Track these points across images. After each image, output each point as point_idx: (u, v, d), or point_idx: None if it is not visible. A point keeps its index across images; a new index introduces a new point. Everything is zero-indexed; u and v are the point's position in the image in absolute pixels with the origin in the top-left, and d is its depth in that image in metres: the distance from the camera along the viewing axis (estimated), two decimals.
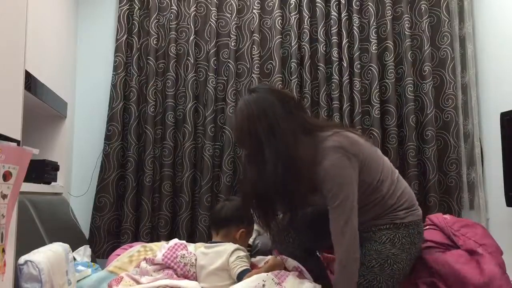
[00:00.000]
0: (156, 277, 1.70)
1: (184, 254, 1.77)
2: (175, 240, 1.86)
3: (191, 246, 1.95)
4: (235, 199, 1.88)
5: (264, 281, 1.47)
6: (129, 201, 2.73)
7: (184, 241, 1.89)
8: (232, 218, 1.79)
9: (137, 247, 2.01)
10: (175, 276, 1.72)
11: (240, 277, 1.60)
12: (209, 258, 1.72)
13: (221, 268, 1.68)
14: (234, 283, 1.59)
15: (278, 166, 1.51)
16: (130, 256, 1.92)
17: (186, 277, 1.74)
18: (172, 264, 1.74)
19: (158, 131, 2.83)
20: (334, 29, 2.84)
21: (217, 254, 1.71)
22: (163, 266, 1.75)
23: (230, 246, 1.70)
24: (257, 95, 1.60)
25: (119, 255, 2.04)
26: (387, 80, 2.82)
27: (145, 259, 1.80)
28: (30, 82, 2.02)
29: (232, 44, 2.86)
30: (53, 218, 2.21)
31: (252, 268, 1.67)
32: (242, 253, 1.69)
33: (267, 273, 1.53)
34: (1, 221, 1.16)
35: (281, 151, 1.52)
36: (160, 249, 1.82)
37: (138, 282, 1.66)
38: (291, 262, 1.67)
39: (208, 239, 2.56)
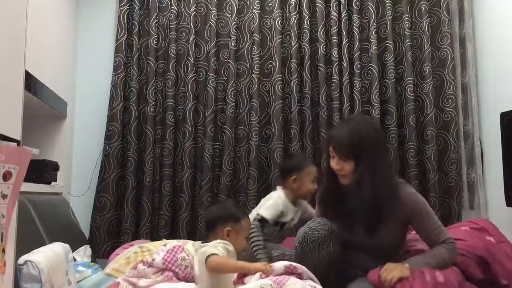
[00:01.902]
0: (155, 279, 1.70)
1: (184, 257, 1.77)
2: (173, 243, 1.85)
3: (188, 244, 1.95)
4: (223, 202, 1.91)
5: (262, 287, 1.47)
6: (129, 201, 2.73)
7: (180, 243, 1.88)
8: (217, 219, 1.79)
9: (134, 247, 2.00)
10: (174, 278, 1.72)
11: (206, 260, 1.59)
12: (198, 257, 1.71)
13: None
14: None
15: (382, 178, 1.81)
16: (127, 257, 1.91)
17: (186, 279, 1.74)
18: (173, 267, 1.74)
19: (158, 131, 2.83)
20: (334, 29, 2.84)
21: (203, 254, 1.68)
22: (163, 269, 1.75)
23: (212, 243, 1.68)
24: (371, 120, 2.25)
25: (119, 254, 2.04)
26: (387, 80, 2.82)
27: (142, 261, 1.79)
28: (30, 82, 2.02)
29: (232, 44, 2.86)
30: (53, 218, 2.21)
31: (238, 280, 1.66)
32: (218, 243, 1.66)
33: (265, 279, 1.51)
34: (1, 221, 1.16)
35: (379, 170, 1.82)
36: (158, 252, 1.81)
37: (135, 285, 1.66)
38: (278, 265, 1.62)
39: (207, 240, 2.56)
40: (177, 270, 1.74)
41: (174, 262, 1.75)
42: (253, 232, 2.02)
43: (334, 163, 1.86)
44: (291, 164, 2.35)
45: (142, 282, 1.68)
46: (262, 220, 2.11)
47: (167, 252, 1.78)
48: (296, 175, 2.25)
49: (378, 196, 1.78)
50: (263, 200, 2.28)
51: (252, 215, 2.13)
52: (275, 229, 2.19)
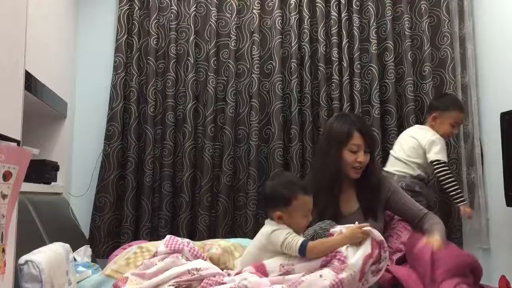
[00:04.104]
0: (163, 261, 1.70)
1: (183, 239, 1.82)
2: (168, 236, 1.88)
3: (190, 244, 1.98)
4: (277, 177, 1.81)
5: None
6: (129, 201, 2.73)
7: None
8: (266, 202, 1.74)
9: (134, 248, 1.99)
10: (180, 258, 1.72)
11: (304, 247, 1.55)
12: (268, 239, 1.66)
13: (258, 247, 1.66)
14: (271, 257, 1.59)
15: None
16: (127, 258, 1.90)
17: (194, 255, 1.76)
18: (177, 245, 1.76)
19: (158, 131, 2.83)
20: (334, 29, 2.84)
21: (258, 235, 1.70)
22: (168, 253, 1.76)
23: (269, 228, 1.64)
24: None
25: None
26: (387, 80, 2.82)
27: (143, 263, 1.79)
28: (30, 82, 2.02)
29: (232, 44, 2.86)
30: (53, 218, 2.21)
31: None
32: (285, 231, 1.60)
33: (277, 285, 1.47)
34: (1, 221, 1.16)
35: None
36: (158, 245, 1.83)
37: (144, 275, 1.66)
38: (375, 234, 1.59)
39: (208, 238, 2.56)
40: (181, 246, 1.76)
41: (176, 242, 1.78)
42: (442, 175, 2.20)
43: (360, 157, 1.94)
44: (436, 103, 2.47)
45: (150, 270, 1.68)
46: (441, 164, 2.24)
47: (166, 240, 1.80)
48: (438, 114, 2.38)
49: (379, 182, 2.02)
50: (413, 140, 2.36)
51: (409, 157, 2.32)
52: None
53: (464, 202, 2.28)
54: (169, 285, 1.55)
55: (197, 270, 1.60)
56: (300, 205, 1.65)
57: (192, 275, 1.58)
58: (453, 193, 2.25)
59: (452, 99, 2.52)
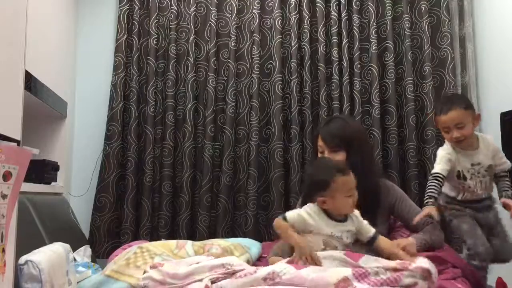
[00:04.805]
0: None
1: None
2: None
3: (188, 244, 1.99)
4: (312, 165, 1.96)
5: None
6: (129, 201, 2.73)
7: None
8: (308, 189, 1.81)
9: (134, 248, 1.99)
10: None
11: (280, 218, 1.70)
12: None
13: None
14: None
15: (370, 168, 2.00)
16: (127, 258, 1.89)
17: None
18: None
19: (158, 131, 2.83)
20: (334, 29, 2.84)
21: None
22: None
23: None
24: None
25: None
26: (387, 80, 2.82)
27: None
28: (30, 82, 2.02)
29: (232, 44, 2.86)
30: (53, 218, 2.21)
31: None
32: (302, 209, 1.72)
33: None
34: (1, 221, 1.16)
35: (369, 159, 2.05)
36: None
37: (179, 263, 1.68)
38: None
39: (208, 238, 2.56)
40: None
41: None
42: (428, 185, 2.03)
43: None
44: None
45: (186, 259, 1.74)
46: (438, 178, 2.02)
47: None
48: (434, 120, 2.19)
49: (369, 185, 1.90)
50: None
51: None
52: (460, 182, 2.07)
53: (429, 202, 1.99)
54: (208, 277, 1.56)
55: (231, 265, 1.62)
56: (340, 186, 1.67)
57: (226, 269, 1.60)
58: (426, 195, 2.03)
59: (439, 103, 2.26)
